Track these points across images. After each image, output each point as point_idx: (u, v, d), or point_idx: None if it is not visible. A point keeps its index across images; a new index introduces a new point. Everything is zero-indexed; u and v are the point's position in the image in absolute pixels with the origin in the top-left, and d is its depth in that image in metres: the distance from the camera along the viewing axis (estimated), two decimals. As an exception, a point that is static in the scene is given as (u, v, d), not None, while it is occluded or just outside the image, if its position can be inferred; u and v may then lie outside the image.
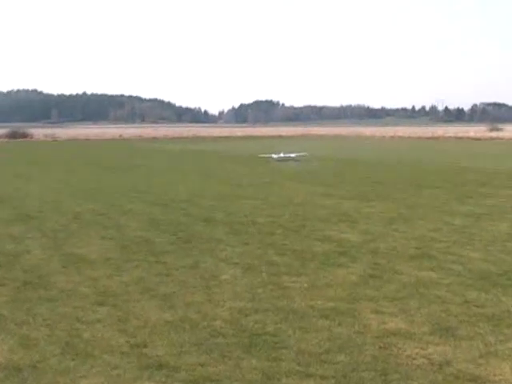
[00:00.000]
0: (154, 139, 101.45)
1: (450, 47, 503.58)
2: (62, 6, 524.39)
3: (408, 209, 17.92)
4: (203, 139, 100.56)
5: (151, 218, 16.54)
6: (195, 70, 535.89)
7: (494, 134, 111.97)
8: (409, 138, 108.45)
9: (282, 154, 46.23)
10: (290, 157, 46.35)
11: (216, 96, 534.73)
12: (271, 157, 45.40)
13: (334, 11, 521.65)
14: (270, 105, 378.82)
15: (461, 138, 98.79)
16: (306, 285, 9.59)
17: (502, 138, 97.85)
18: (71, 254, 12.09)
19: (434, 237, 13.48)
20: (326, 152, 55.15)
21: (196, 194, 22.33)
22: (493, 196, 21.04)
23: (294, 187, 24.58)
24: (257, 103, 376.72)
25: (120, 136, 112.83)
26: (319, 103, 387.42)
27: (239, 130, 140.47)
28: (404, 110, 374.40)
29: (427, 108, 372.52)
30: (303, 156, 47.20)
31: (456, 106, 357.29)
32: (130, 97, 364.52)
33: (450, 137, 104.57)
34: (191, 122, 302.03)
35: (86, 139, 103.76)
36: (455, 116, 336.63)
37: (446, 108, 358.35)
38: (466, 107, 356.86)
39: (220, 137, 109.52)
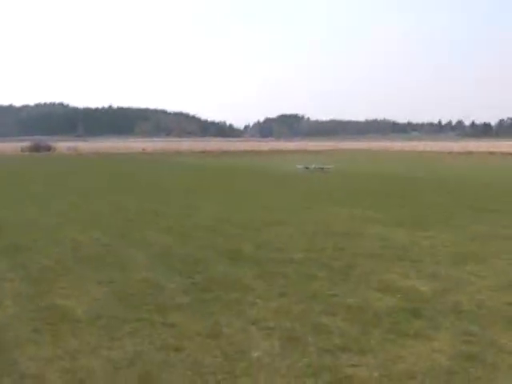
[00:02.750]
0: (178, 153, 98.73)
1: (474, 61, 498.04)
2: (89, 20, 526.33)
3: (475, 241, 14.73)
4: (228, 154, 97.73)
5: (165, 252, 13.51)
6: (221, 83, 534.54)
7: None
8: (440, 152, 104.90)
9: (313, 166, 46.67)
10: (322, 168, 45.91)
11: (241, 110, 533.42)
12: (304, 167, 45.43)
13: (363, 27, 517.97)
14: (295, 119, 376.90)
15: (494, 153, 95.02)
16: (375, 373, 6.54)
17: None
18: (52, 308, 9.08)
19: (528, 285, 10.37)
20: (357, 167, 52.04)
21: (220, 218, 19.32)
22: None
23: (331, 210, 21.47)
24: (282, 117, 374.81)
25: (143, 150, 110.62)
26: (345, 117, 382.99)
27: (265, 145, 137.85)
28: (430, 124, 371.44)
29: (453, 123, 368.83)
30: (330, 168, 46.10)
31: (483, 121, 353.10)
32: (156, 110, 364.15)
33: (483, 152, 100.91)
34: (216, 135, 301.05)
35: (109, 153, 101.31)
36: (482, 131, 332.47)
37: (473, 123, 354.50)
38: (493, 122, 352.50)
39: (245, 151, 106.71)
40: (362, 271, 11.36)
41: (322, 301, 9.32)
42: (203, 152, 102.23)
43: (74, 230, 16.82)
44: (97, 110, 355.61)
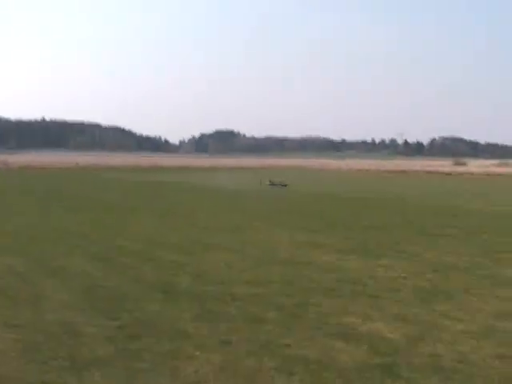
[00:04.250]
0: (111, 168, 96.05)
1: (409, 82, 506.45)
2: (19, 28, 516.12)
3: (437, 272, 13.30)
4: (163, 170, 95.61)
5: (88, 285, 11.67)
6: (155, 97, 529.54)
7: (462, 169, 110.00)
8: (377, 171, 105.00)
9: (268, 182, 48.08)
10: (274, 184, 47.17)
11: (177, 125, 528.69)
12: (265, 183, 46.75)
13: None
14: (230, 135, 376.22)
15: (431, 173, 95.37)
16: None
17: (472, 173, 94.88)
18: None
19: (509, 331, 8.92)
20: (296, 185, 50.77)
21: (153, 241, 17.58)
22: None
23: (273, 232, 19.89)
24: (218, 133, 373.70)
25: (76, 164, 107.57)
26: (280, 134, 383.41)
27: (200, 161, 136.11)
28: (364, 142, 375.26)
29: (387, 141, 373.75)
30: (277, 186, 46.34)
31: (415, 140, 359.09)
32: (91, 124, 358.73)
33: (418, 171, 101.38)
34: (151, 150, 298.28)
35: (40, 167, 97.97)
36: (415, 149, 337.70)
37: (406, 141, 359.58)
38: (425, 141, 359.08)
39: (180, 167, 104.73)
40: (316, 312, 9.76)
41: (274, 353, 7.70)
42: (136, 167, 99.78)
43: (-16, 256, 14.84)
44: (30, 122, 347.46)
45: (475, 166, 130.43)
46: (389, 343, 8.15)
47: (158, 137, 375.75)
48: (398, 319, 9.34)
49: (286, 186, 49.07)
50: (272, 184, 49.60)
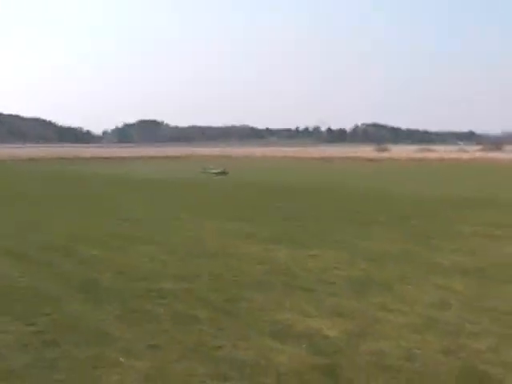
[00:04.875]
0: (31, 160, 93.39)
1: (322, 68, 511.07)
2: None
3: (370, 261, 12.88)
4: (85, 160, 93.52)
5: (0, 285, 10.87)
6: (77, 87, 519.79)
7: (385, 155, 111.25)
8: (302, 158, 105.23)
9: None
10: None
11: (99, 115, 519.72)
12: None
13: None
14: (154, 125, 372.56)
15: (354, 159, 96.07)
16: None
17: (396, 159, 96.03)
18: None
19: (450, 321, 8.53)
20: (222, 174, 50.14)
21: (74, 235, 16.70)
22: (463, 234, 16.53)
23: (200, 222, 19.26)
24: (141, 123, 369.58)
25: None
26: (203, 123, 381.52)
27: (124, 151, 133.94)
28: (288, 130, 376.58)
29: (310, 129, 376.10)
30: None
31: (338, 127, 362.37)
32: (10, 115, 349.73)
33: (344, 157, 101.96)
34: (74, 142, 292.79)
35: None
36: (338, 137, 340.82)
37: (329, 129, 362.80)
38: (348, 128, 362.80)
39: (104, 157, 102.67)
40: (249, 308, 9.18)
41: (206, 357, 7.09)
42: (58, 159, 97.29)
43: None
44: None
45: (398, 151, 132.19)
46: (329, 342, 7.63)
47: (79, 128, 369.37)
48: (335, 314, 8.84)
49: (226, 173, 49.04)
50: (216, 173, 49.13)
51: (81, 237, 16.37)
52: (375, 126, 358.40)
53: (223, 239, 15.97)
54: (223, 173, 49.37)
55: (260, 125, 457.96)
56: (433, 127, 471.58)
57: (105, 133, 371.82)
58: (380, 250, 14.28)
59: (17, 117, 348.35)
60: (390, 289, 10.40)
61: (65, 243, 15.36)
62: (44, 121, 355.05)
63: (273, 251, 14.09)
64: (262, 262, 12.84)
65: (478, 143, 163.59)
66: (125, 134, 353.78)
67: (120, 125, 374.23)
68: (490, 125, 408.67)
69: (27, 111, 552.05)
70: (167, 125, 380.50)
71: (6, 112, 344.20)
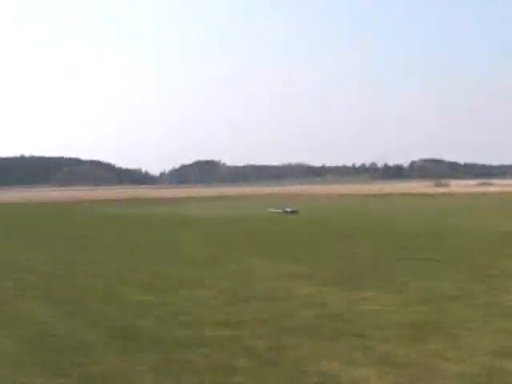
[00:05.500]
0: (91, 202, 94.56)
1: (387, 105, 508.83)
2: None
3: (426, 303, 12.11)
4: (142, 201, 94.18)
5: (38, 334, 10.39)
6: (135, 130, 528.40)
7: (444, 190, 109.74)
8: (357, 195, 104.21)
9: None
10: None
11: (156, 157, 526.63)
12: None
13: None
14: (211, 164, 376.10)
15: (414, 195, 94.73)
16: None
17: (455, 194, 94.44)
18: None
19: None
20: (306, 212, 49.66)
21: (121, 278, 16.33)
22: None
23: (254, 263, 18.69)
24: (198, 163, 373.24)
25: (52, 199, 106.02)
26: (260, 162, 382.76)
27: (181, 191, 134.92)
28: (345, 167, 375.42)
29: (367, 165, 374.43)
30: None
31: (395, 163, 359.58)
32: (70, 159, 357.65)
33: (402, 194, 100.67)
34: (132, 183, 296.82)
35: (17, 203, 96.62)
36: (395, 172, 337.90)
37: (386, 165, 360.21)
38: (405, 164, 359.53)
39: (161, 198, 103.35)
40: (294, 357, 8.56)
41: (244, 413, 6.53)
42: (116, 200, 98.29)
43: None
44: (7, 159, 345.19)
45: (457, 186, 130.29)
46: (377, 395, 6.99)
47: (138, 169, 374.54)
48: (386, 363, 8.16)
49: (296, 212, 49.11)
50: (285, 212, 49.00)
51: (128, 280, 16.01)
52: (433, 161, 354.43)
53: (275, 280, 15.36)
54: (294, 212, 49.19)
55: (316, 162, 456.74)
56: (492, 160, 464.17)
57: (162, 174, 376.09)
58: (437, 290, 13.50)
59: (77, 160, 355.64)
60: (446, 334, 9.66)
61: (109, 287, 14.98)
62: (102, 163, 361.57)
63: (326, 294, 13.43)
64: (313, 304, 12.21)
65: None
66: (182, 174, 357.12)
67: (177, 165, 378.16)
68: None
69: (87, 154, 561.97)
70: (224, 164, 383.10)
71: (66, 156, 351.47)
